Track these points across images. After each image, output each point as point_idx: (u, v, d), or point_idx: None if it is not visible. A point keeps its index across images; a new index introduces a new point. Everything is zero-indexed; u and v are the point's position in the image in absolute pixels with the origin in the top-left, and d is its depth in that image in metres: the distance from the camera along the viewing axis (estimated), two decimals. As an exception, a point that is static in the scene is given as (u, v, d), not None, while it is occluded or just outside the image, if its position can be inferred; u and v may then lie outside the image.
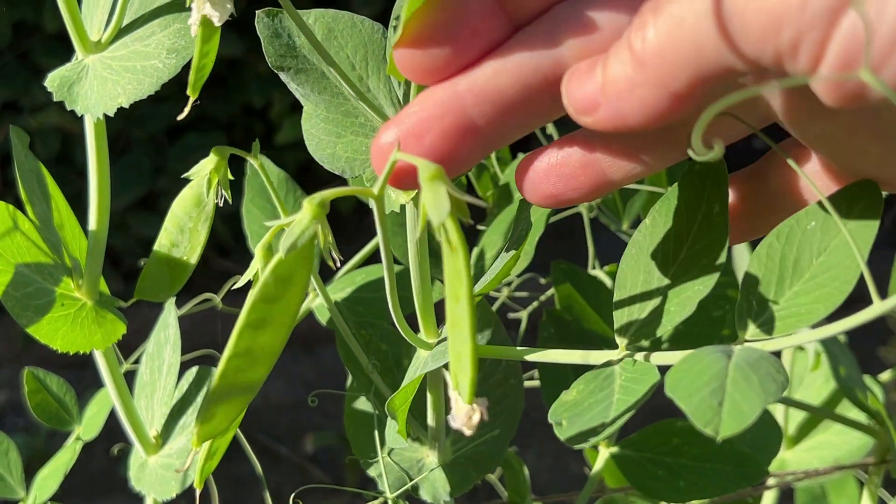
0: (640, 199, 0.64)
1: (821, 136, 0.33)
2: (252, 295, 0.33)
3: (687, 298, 0.36)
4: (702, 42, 0.28)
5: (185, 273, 0.47)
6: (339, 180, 0.60)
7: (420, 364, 0.41)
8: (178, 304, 0.54)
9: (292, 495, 0.48)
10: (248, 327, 0.34)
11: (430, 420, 0.48)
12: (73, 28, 0.43)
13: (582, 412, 0.35)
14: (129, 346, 0.54)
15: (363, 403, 0.52)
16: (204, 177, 0.44)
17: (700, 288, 0.36)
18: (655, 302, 0.37)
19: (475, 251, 0.59)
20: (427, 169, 0.31)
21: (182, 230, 0.45)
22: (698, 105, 0.29)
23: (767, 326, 0.34)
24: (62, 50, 1.79)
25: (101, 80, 0.42)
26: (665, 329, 0.36)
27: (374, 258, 0.62)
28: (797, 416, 0.69)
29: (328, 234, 0.33)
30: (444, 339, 0.41)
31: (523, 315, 0.66)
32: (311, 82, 0.39)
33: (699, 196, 0.36)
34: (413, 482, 0.49)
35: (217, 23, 0.34)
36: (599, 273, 0.59)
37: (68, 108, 0.42)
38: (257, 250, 0.43)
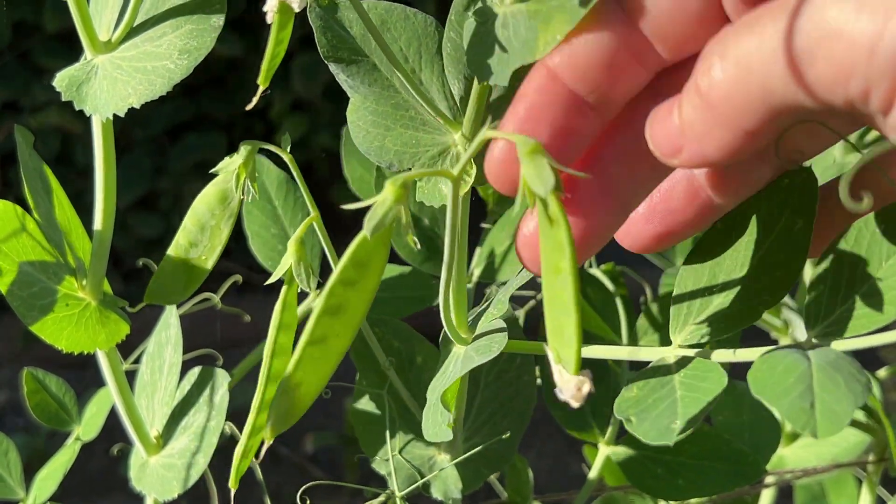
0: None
1: None
2: (332, 278, 0.33)
3: (752, 308, 0.36)
4: (771, 85, 0.29)
5: (201, 275, 0.46)
6: (340, 181, 0.60)
7: (460, 359, 0.40)
8: (178, 304, 0.54)
9: (299, 492, 0.48)
10: (326, 313, 0.33)
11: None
12: (82, 27, 0.42)
13: (648, 409, 0.35)
14: (129, 345, 0.54)
15: (369, 402, 0.52)
16: (232, 172, 0.43)
17: (768, 299, 0.36)
18: (717, 305, 0.37)
19: (481, 250, 0.59)
20: (527, 144, 0.31)
21: (203, 229, 0.45)
22: (778, 132, 0.30)
23: (836, 328, 0.34)
24: (62, 50, 1.79)
25: (111, 81, 0.42)
26: (723, 333, 0.37)
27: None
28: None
29: (409, 216, 0.33)
30: (482, 335, 0.41)
31: (521, 313, 0.66)
32: (362, 74, 0.39)
33: (782, 208, 0.36)
34: (425, 479, 0.49)
35: (297, 8, 0.33)
36: (597, 272, 0.60)
37: (77, 108, 0.42)
38: (291, 244, 0.42)
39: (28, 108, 1.85)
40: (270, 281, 0.44)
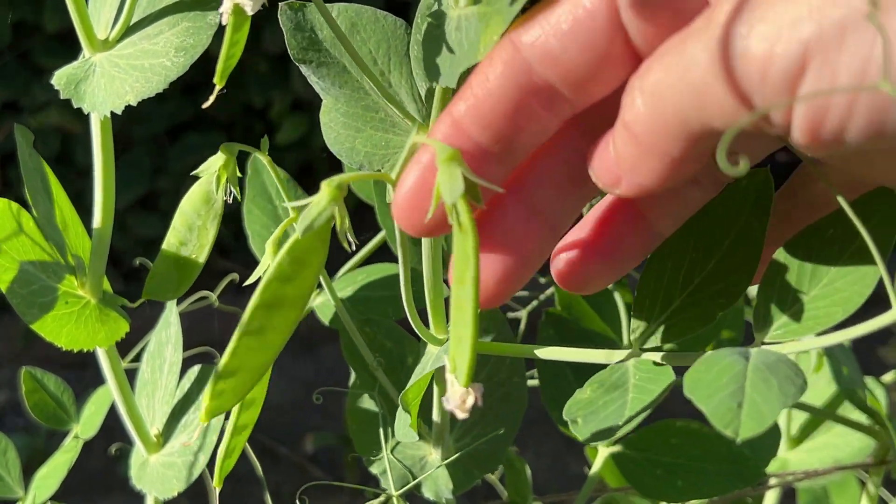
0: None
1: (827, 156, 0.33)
2: (267, 274, 0.34)
3: (707, 309, 0.36)
4: (684, 113, 0.30)
5: (193, 272, 0.47)
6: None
7: (431, 359, 0.41)
8: (177, 303, 0.54)
9: (299, 491, 0.48)
10: (262, 306, 0.34)
11: (436, 416, 0.48)
12: (80, 26, 0.43)
13: (597, 410, 0.35)
14: (128, 343, 0.54)
15: (366, 402, 0.52)
16: (213, 174, 0.44)
17: (723, 301, 0.36)
18: (675, 308, 0.37)
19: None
20: (444, 151, 0.31)
21: (191, 228, 0.45)
22: (705, 154, 0.31)
23: (784, 330, 0.34)
24: (62, 50, 1.79)
25: (108, 78, 0.42)
26: (682, 335, 0.37)
27: (372, 258, 0.62)
28: (799, 417, 0.69)
29: (345, 217, 0.33)
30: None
31: (523, 314, 0.65)
32: (332, 76, 0.40)
33: (739, 211, 0.36)
34: (417, 480, 0.49)
35: (249, 11, 0.34)
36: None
37: (75, 106, 0.42)
38: (268, 245, 0.43)
39: (28, 108, 1.85)
40: (249, 282, 0.44)
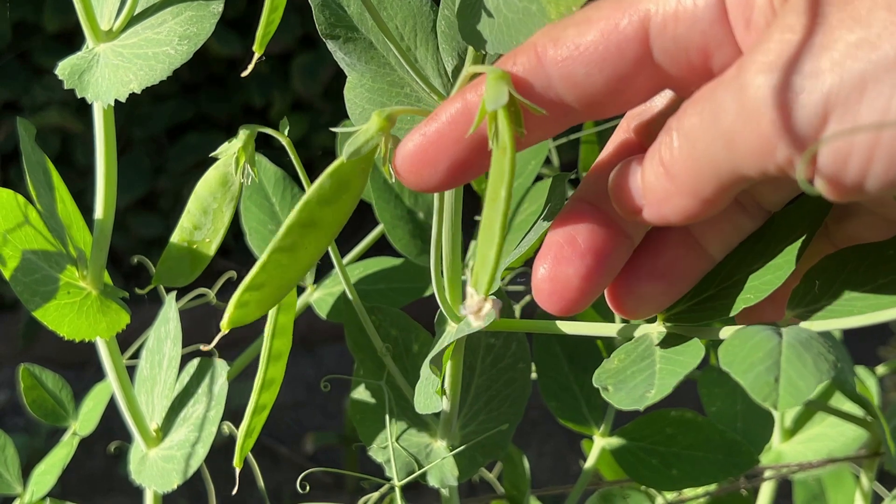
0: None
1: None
2: (307, 194, 0.34)
3: (735, 302, 0.37)
4: (716, 159, 0.31)
5: (206, 257, 0.47)
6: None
7: (451, 334, 0.41)
8: (175, 300, 0.54)
9: (298, 479, 0.49)
10: (298, 224, 0.35)
11: (445, 404, 0.49)
12: (84, 17, 0.43)
13: (626, 379, 0.36)
14: (128, 340, 0.55)
15: (368, 393, 0.52)
16: (231, 156, 0.44)
17: (750, 297, 0.37)
18: (706, 296, 0.38)
19: (474, 243, 0.59)
20: (494, 70, 0.32)
21: (206, 212, 0.46)
22: (734, 194, 0.32)
23: (815, 310, 0.36)
24: (62, 50, 1.78)
25: (112, 68, 0.43)
26: (704, 320, 0.37)
27: (369, 253, 0.62)
28: (792, 409, 0.69)
29: (389, 149, 0.34)
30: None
31: (517, 308, 0.66)
32: (359, 52, 0.40)
33: (791, 231, 0.37)
34: (423, 470, 0.49)
35: None
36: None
37: (79, 96, 0.43)
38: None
39: (28, 108, 1.85)
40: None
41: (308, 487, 0.49)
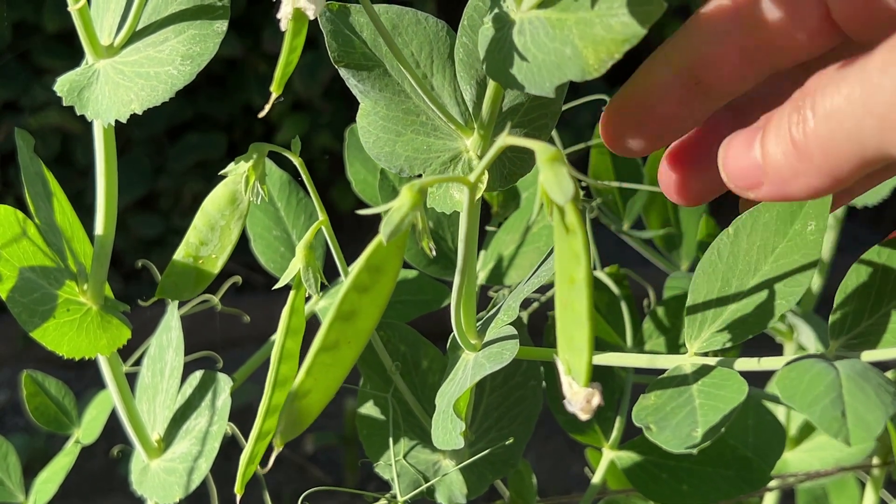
0: (641, 200, 0.64)
1: None
2: (345, 284, 0.33)
3: (766, 313, 0.37)
4: (863, 139, 0.31)
5: (211, 272, 0.47)
6: (342, 182, 0.60)
7: (469, 366, 0.40)
8: (178, 306, 0.54)
9: (303, 496, 0.48)
10: (339, 319, 0.33)
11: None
12: (83, 32, 0.42)
13: (667, 416, 0.35)
14: (129, 346, 0.54)
15: (373, 407, 0.52)
16: (241, 174, 0.43)
17: (782, 303, 0.37)
18: (732, 311, 0.37)
19: (486, 253, 0.59)
20: (546, 151, 0.31)
21: (213, 228, 0.45)
22: (866, 173, 0.32)
23: (862, 339, 0.36)
24: (62, 50, 1.79)
25: (112, 86, 0.42)
26: (738, 339, 0.37)
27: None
28: (799, 417, 0.69)
29: (426, 221, 0.33)
30: (492, 342, 0.40)
31: (524, 315, 0.65)
32: (372, 79, 0.39)
33: (795, 212, 0.37)
34: (429, 483, 0.49)
35: (311, 16, 0.33)
36: (601, 275, 0.59)
37: (78, 114, 0.42)
38: (299, 249, 0.42)
39: (28, 108, 1.84)
40: (278, 286, 0.44)
41: (307, 500, 0.49)
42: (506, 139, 0.31)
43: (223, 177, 0.44)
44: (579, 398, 0.31)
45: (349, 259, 0.60)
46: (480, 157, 0.39)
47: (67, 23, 1.82)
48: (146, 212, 1.96)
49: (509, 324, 0.40)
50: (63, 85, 0.42)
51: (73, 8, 0.41)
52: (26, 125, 0.44)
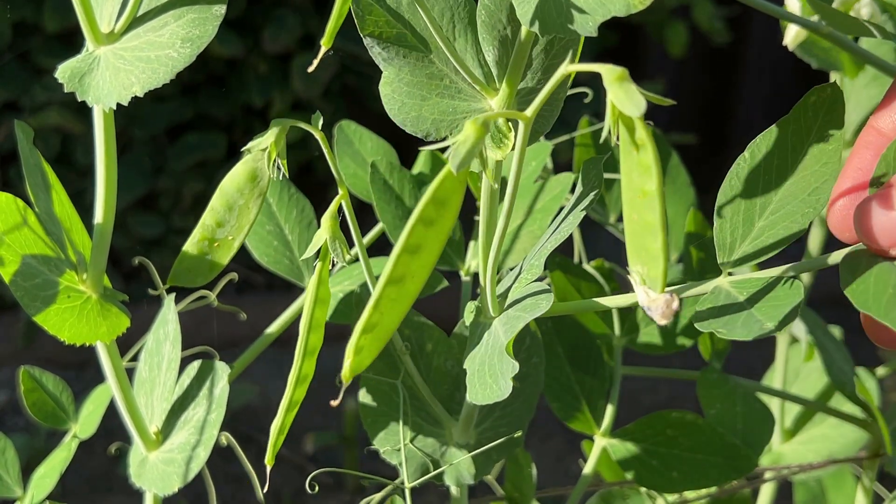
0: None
1: None
2: (414, 216, 0.33)
3: (794, 224, 0.38)
4: None
5: (226, 255, 0.47)
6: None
7: (502, 323, 0.41)
8: (175, 302, 0.54)
9: (315, 489, 0.48)
10: (406, 252, 0.34)
11: (468, 399, 0.48)
12: (84, 19, 0.43)
13: (730, 322, 0.36)
14: (127, 343, 0.55)
15: (376, 394, 0.52)
16: (264, 150, 0.44)
17: (809, 211, 0.38)
18: (760, 228, 0.39)
19: (475, 243, 0.59)
20: (612, 71, 0.32)
21: (231, 208, 0.45)
22: None
23: None
24: (62, 50, 1.79)
25: (113, 71, 0.42)
26: (769, 253, 0.38)
27: (369, 252, 0.62)
28: (793, 409, 0.69)
29: (486, 153, 0.34)
30: (518, 301, 0.41)
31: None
32: (396, 46, 0.41)
33: (811, 126, 0.38)
34: (440, 470, 0.49)
35: None
36: (588, 268, 0.60)
37: (79, 99, 0.42)
38: (324, 219, 0.43)
39: (28, 108, 1.85)
40: (307, 255, 0.45)
41: (316, 488, 0.49)
42: (567, 67, 0.33)
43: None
44: (659, 304, 0.33)
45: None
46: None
47: (67, 23, 1.82)
48: (146, 212, 1.97)
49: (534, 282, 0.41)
50: (64, 72, 0.43)
51: None
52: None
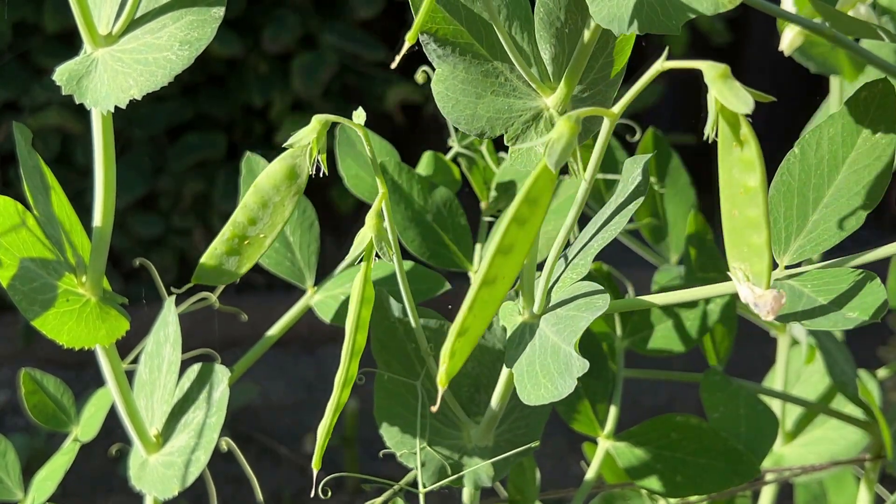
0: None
1: None
2: (507, 216, 0.33)
3: (849, 217, 0.38)
4: None
5: (256, 254, 0.46)
6: (339, 182, 0.60)
7: (551, 323, 0.40)
8: (176, 304, 0.54)
9: (327, 494, 0.48)
10: (500, 252, 0.34)
11: (494, 402, 0.48)
12: (82, 21, 0.43)
13: (810, 314, 0.37)
14: (127, 345, 0.54)
15: (393, 396, 0.51)
16: (304, 147, 0.43)
17: (867, 202, 0.38)
18: (813, 222, 0.39)
19: (483, 246, 0.59)
20: (715, 68, 0.32)
21: (266, 205, 0.45)
22: None
23: None
24: (62, 50, 1.79)
25: (111, 73, 0.42)
26: (824, 246, 0.39)
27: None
28: (794, 411, 0.69)
29: (578, 153, 0.35)
30: (566, 301, 0.41)
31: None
32: (452, 43, 0.41)
33: (861, 121, 0.38)
34: (461, 474, 0.49)
35: None
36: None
37: (77, 102, 0.42)
38: (368, 218, 0.43)
39: (28, 108, 1.85)
40: (351, 258, 0.44)
41: (328, 493, 0.49)
42: (663, 64, 0.33)
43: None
44: (767, 299, 0.33)
45: (344, 255, 0.60)
46: (562, 114, 0.40)
47: (67, 23, 1.82)
48: (146, 212, 1.97)
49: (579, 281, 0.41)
50: (62, 74, 0.43)
51: None
52: (26, 125, 0.45)
